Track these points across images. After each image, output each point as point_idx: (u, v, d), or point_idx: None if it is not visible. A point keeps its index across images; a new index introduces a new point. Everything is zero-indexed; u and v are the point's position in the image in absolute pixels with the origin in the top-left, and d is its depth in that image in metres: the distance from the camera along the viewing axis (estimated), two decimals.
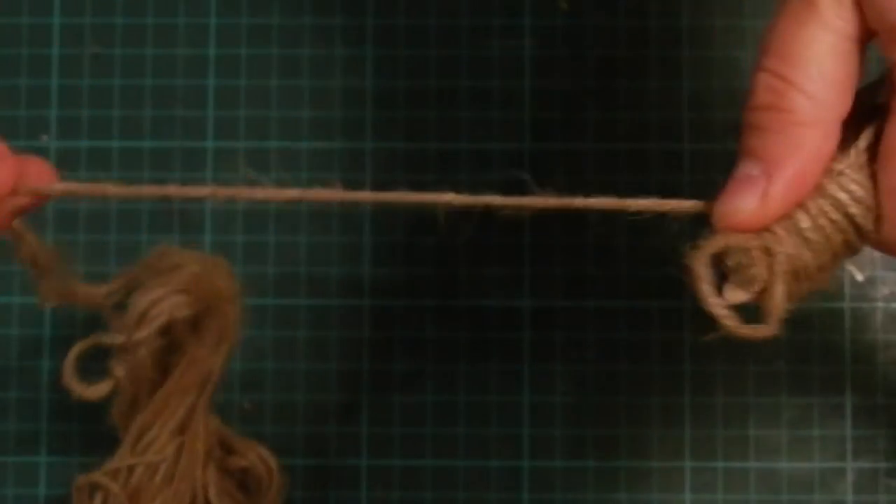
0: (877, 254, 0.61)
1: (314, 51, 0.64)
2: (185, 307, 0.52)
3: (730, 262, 0.34)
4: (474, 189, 0.63)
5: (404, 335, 0.62)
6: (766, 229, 0.34)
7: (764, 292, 0.34)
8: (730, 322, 0.34)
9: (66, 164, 0.63)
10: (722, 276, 0.34)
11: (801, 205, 0.34)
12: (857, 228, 0.34)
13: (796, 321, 0.62)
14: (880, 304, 0.62)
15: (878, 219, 0.34)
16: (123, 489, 0.53)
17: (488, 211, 0.40)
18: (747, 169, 0.35)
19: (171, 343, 0.53)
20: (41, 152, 0.63)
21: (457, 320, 0.62)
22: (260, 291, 0.62)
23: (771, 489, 0.61)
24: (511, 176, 0.63)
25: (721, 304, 0.34)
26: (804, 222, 0.34)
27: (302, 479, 0.61)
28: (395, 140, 0.63)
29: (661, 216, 0.36)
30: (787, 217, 0.34)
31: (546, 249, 0.62)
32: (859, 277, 0.62)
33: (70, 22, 0.64)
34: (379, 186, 0.63)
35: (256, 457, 0.57)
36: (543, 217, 0.63)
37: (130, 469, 0.54)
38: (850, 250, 0.35)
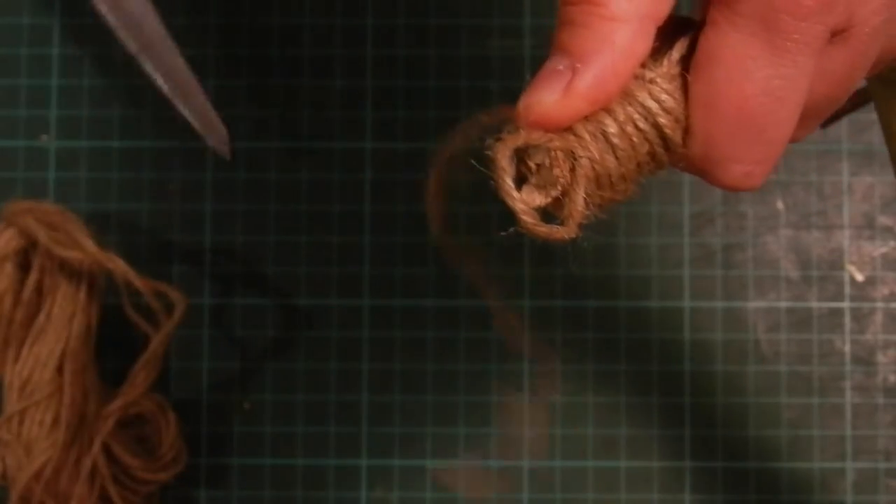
0: (877, 254, 0.62)
1: (314, 51, 0.64)
2: (14, 238, 0.57)
3: (532, 163, 0.32)
4: (474, 188, 0.63)
5: (404, 335, 0.62)
6: (570, 131, 0.32)
7: (564, 196, 0.32)
8: (528, 219, 0.32)
9: (66, 164, 0.63)
10: (523, 180, 0.32)
11: (608, 110, 0.33)
12: (665, 140, 0.33)
13: (797, 321, 0.62)
14: (880, 304, 0.62)
15: (686, 131, 0.33)
16: (17, 440, 0.55)
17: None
18: (554, 63, 0.33)
19: (34, 283, 0.57)
20: (41, 152, 0.63)
21: (457, 320, 0.62)
22: (260, 291, 0.62)
23: (771, 489, 0.61)
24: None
25: (522, 199, 0.32)
26: (611, 127, 0.32)
27: (302, 479, 0.61)
28: (395, 140, 0.63)
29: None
30: (593, 121, 0.33)
31: (545, 250, 0.62)
32: (859, 277, 0.62)
33: (70, 22, 0.64)
34: (379, 186, 0.63)
35: (147, 400, 0.58)
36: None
37: (21, 418, 0.55)
38: (656, 163, 0.34)
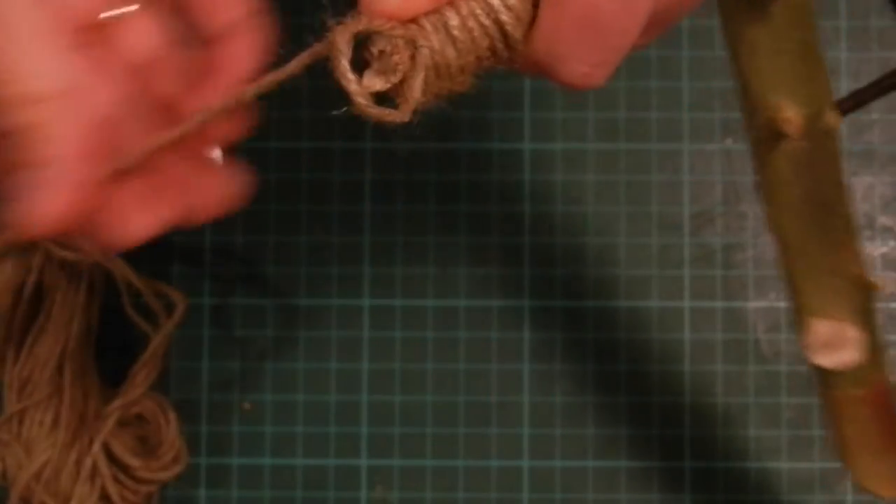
0: (877, 254, 0.61)
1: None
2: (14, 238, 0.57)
3: (373, 49, 0.34)
4: (474, 189, 0.63)
5: (404, 335, 0.62)
6: (413, 21, 0.34)
7: (403, 83, 0.34)
8: (361, 100, 0.34)
9: None
10: (365, 66, 0.34)
11: (453, 4, 0.34)
12: (505, 36, 0.34)
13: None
14: (880, 304, 0.62)
15: (530, 27, 0.34)
16: (17, 440, 0.55)
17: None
18: None
19: (34, 283, 0.57)
20: None
21: (457, 320, 0.62)
22: (260, 291, 0.62)
23: (771, 489, 0.61)
24: (510, 176, 0.63)
25: (356, 80, 0.34)
26: (453, 20, 0.34)
27: (302, 479, 0.61)
28: (394, 140, 0.63)
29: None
30: (436, 13, 0.34)
31: (546, 249, 0.62)
32: None
33: None
34: (379, 186, 0.63)
35: (147, 400, 0.58)
36: (544, 218, 0.63)
37: (20, 418, 0.55)
38: (496, 58, 0.35)
